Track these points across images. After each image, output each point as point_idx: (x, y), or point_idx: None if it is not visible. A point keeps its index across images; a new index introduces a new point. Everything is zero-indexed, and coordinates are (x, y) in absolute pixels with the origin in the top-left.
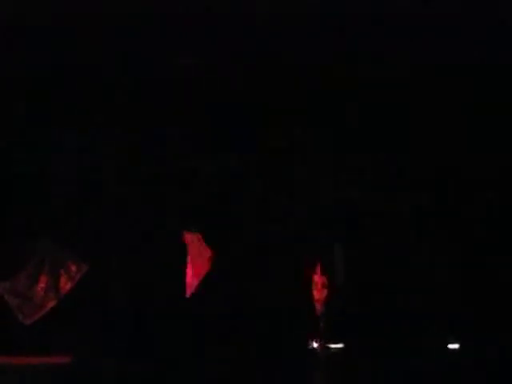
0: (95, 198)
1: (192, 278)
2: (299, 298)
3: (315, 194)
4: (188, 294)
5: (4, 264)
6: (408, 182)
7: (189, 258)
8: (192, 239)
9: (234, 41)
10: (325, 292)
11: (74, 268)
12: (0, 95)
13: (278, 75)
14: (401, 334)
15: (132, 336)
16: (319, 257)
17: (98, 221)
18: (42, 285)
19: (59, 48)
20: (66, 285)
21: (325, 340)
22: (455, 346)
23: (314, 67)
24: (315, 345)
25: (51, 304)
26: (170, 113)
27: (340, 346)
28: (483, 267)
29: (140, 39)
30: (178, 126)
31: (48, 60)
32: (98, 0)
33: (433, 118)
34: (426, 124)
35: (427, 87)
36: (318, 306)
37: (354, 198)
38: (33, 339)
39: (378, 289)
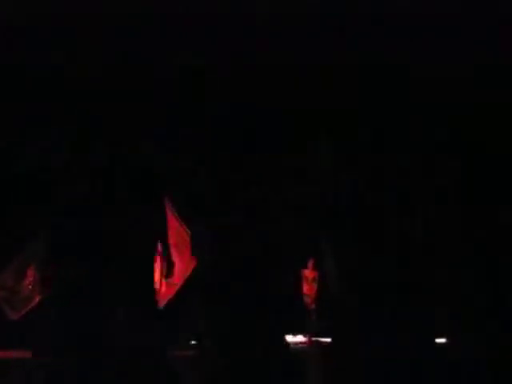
0: (93, 198)
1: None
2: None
3: (313, 192)
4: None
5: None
6: (408, 182)
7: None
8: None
9: (233, 41)
10: (315, 287)
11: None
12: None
13: (278, 75)
14: (389, 328)
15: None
16: (312, 253)
17: (94, 219)
18: (30, 279)
19: (59, 48)
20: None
21: (314, 334)
22: (442, 340)
23: (313, 67)
24: (304, 339)
25: (38, 298)
26: (169, 113)
27: (328, 339)
28: (476, 265)
29: (140, 39)
30: (177, 126)
31: (48, 60)
32: (98, 0)
33: (432, 118)
34: (425, 124)
35: (427, 87)
36: (309, 301)
37: (352, 198)
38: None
39: (369, 285)
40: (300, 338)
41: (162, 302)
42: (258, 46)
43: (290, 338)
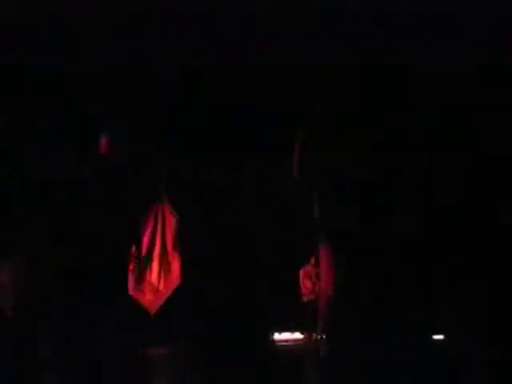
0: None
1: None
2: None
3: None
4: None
5: None
6: (408, 181)
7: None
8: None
9: (233, 41)
10: (317, 283)
11: None
12: None
13: (278, 75)
14: (385, 325)
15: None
16: (314, 249)
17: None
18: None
19: (59, 48)
20: None
21: (313, 331)
22: (440, 336)
23: (313, 67)
24: (301, 335)
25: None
26: (169, 113)
27: (326, 336)
28: (473, 263)
29: (140, 39)
30: (177, 126)
31: (48, 60)
32: (98, 0)
33: (432, 119)
34: (424, 124)
35: (427, 87)
36: (310, 297)
37: (352, 198)
38: None
39: (366, 281)
40: (298, 336)
41: (160, 301)
42: (257, 46)
43: (288, 336)
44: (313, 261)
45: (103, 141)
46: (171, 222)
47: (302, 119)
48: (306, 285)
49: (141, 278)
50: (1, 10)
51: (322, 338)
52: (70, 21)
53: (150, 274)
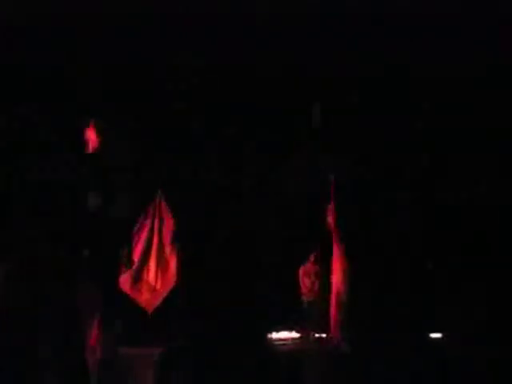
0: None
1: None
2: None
3: (312, 192)
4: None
5: None
6: (407, 181)
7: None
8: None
9: (233, 41)
10: (317, 282)
11: None
12: None
13: (278, 75)
14: (385, 323)
15: None
16: (315, 247)
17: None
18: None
19: (59, 48)
20: None
21: (311, 329)
22: (438, 335)
23: (313, 67)
24: (300, 334)
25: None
26: (170, 113)
27: (322, 334)
28: (473, 263)
29: (140, 39)
30: (177, 126)
31: (48, 60)
32: (98, 0)
33: (432, 118)
34: (424, 124)
35: (427, 87)
36: (310, 296)
37: (352, 198)
38: None
39: (366, 281)
40: (297, 335)
41: (157, 301)
42: (257, 46)
43: (287, 335)
44: (312, 258)
45: (90, 135)
46: (169, 221)
47: (302, 119)
48: (305, 283)
49: (138, 278)
50: (1, 10)
51: (325, 336)
52: (70, 21)
53: (148, 273)
